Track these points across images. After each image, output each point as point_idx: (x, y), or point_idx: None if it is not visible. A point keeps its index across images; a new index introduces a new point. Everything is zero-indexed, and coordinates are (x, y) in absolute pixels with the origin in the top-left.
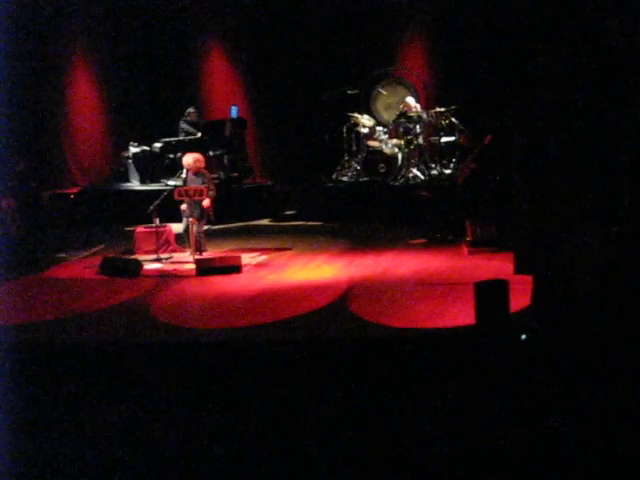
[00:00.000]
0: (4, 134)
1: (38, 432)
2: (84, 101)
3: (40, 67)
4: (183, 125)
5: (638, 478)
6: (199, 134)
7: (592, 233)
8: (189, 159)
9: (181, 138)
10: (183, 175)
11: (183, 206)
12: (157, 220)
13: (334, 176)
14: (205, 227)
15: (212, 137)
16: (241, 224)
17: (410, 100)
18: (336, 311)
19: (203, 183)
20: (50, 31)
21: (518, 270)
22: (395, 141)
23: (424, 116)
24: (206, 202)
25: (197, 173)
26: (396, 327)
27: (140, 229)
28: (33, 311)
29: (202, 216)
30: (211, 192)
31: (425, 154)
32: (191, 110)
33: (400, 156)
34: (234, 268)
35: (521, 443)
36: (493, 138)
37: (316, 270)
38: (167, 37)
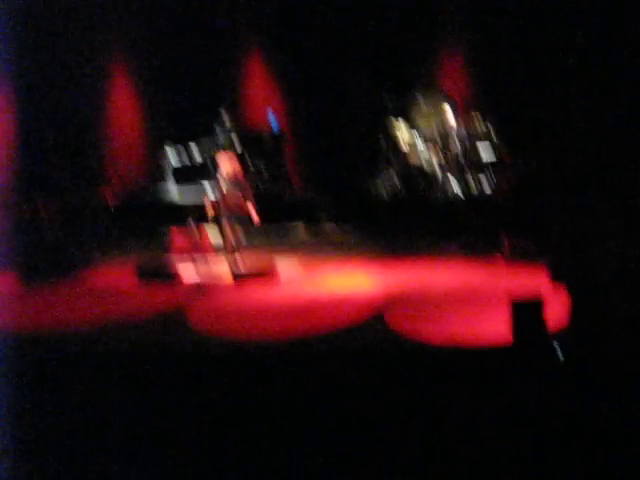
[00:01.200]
0: (50, 138)
1: (60, 440)
2: (122, 102)
3: (80, 74)
4: (218, 130)
5: None
6: (235, 139)
7: (624, 244)
8: (226, 164)
9: (218, 142)
10: (219, 180)
11: (207, 202)
12: (193, 222)
13: (371, 185)
14: (241, 232)
15: (249, 145)
16: (278, 230)
17: (448, 111)
18: (371, 324)
19: (240, 190)
20: (88, 38)
21: (553, 282)
22: (432, 150)
23: (462, 127)
24: (255, 218)
25: (233, 177)
26: (432, 343)
27: (176, 230)
28: (67, 316)
29: (238, 221)
30: (249, 201)
31: (463, 165)
32: (225, 115)
33: (437, 166)
34: (270, 274)
35: (558, 464)
36: (535, 156)
37: (352, 280)
38: (205, 42)
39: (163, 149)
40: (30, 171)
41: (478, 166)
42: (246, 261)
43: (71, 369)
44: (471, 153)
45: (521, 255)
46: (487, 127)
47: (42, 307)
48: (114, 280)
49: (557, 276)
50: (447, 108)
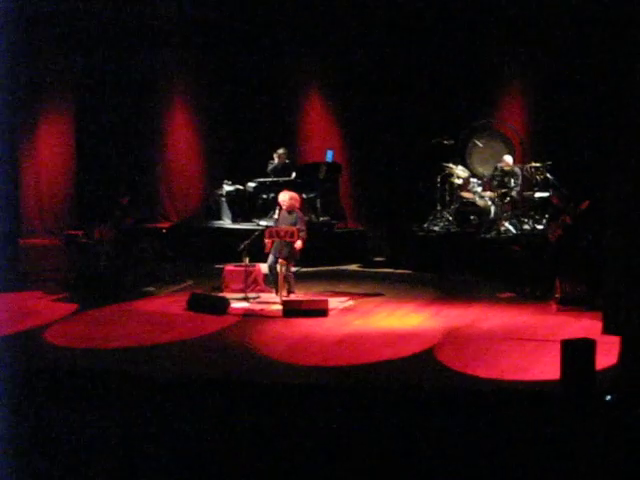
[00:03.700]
0: (111, 169)
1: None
2: (181, 139)
3: (142, 108)
4: (269, 167)
5: None
6: (292, 176)
7: None
8: (285, 196)
9: (275, 179)
10: (275, 216)
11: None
12: (247, 259)
13: (425, 225)
14: (293, 269)
15: (306, 180)
16: (330, 268)
17: (507, 158)
18: (421, 359)
19: (294, 223)
20: (150, 76)
21: (606, 330)
22: (489, 194)
23: (519, 171)
24: (298, 244)
25: (290, 212)
26: (481, 378)
27: (229, 267)
28: (116, 338)
29: (291, 257)
30: (302, 233)
31: (518, 208)
32: (280, 152)
33: (493, 209)
34: (321, 311)
35: None
36: (590, 203)
37: (403, 318)
38: (265, 80)
39: (221, 185)
40: (90, 200)
41: (535, 211)
42: (298, 298)
43: (113, 386)
44: (528, 198)
45: (575, 302)
46: (545, 173)
47: (90, 328)
48: (164, 309)
49: (611, 325)
50: (505, 152)
